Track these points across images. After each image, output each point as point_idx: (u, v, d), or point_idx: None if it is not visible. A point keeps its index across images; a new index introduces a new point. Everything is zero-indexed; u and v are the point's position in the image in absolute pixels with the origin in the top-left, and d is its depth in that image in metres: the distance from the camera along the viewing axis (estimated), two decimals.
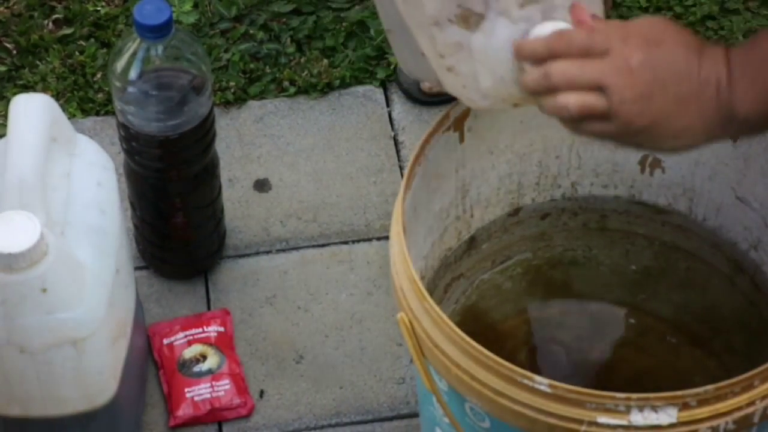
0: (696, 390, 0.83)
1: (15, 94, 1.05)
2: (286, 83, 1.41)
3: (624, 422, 0.84)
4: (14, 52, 1.42)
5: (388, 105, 1.40)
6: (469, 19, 0.87)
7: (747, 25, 1.43)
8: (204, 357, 1.21)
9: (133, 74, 1.13)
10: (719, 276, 1.06)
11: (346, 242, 1.30)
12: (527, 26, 0.87)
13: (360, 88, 1.41)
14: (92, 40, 1.43)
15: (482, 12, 0.87)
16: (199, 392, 1.19)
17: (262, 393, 1.20)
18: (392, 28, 0.94)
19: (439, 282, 1.04)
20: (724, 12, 1.45)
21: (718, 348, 1.06)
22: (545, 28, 0.86)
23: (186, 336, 1.22)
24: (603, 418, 0.84)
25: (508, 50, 0.87)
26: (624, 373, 1.06)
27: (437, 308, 0.88)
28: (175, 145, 1.17)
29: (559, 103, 0.83)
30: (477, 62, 0.88)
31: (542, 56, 0.84)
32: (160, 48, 1.13)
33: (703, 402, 0.84)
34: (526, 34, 0.86)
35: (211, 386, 1.19)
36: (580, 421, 0.84)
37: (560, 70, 0.83)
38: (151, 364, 1.22)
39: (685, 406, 0.84)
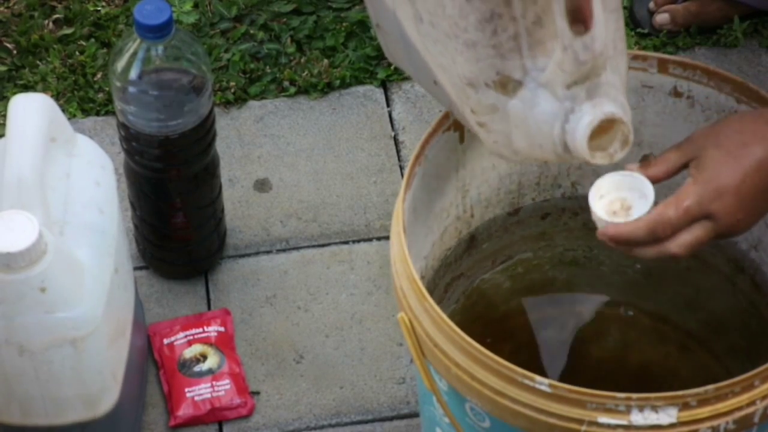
0: (696, 390, 0.83)
1: (15, 94, 1.05)
2: (286, 83, 1.41)
3: (624, 422, 0.83)
4: (14, 52, 1.42)
5: (388, 105, 1.40)
6: (507, 86, 0.86)
7: None
8: (204, 357, 1.21)
9: (133, 74, 1.13)
10: (719, 276, 1.06)
11: (346, 242, 1.30)
12: (572, 104, 0.85)
13: (360, 88, 1.41)
14: (92, 40, 1.43)
15: (521, 79, 0.86)
16: (200, 392, 1.19)
17: (256, 393, 1.20)
18: (381, 24, 0.93)
19: (439, 282, 1.04)
20: None
21: (718, 348, 1.06)
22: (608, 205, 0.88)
23: (186, 336, 1.22)
24: (603, 418, 0.84)
25: (550, 123, 0.86)
26: (624, 373, 1.05)
27: (437, 308, 0.88)
28: (176, 145, 1.17)
29: (670, 252, 0.85)
30: (513, 125, 0.87)
31: (645, 242, 0.86)
32: (160, 48, 1.12)
33: (703, 402, 0.84)
34: (570, 112, 0.85)
35: (212, 386, 1.19)
36: (581, 421, 0.84)
37: (681, 245, 0.85)
38: (151, 363, 1.22)
39: (685, 406, 0.84)
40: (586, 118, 0.85)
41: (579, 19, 0.81)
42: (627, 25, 1.45)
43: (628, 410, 0.83)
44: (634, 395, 0.83)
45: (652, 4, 1.45)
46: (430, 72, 0.91)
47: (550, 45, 0.85)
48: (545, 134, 0.86)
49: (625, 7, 1.47)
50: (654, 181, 0.89)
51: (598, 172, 1.06)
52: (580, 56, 0.83)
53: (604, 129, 0.86)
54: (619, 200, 0.89)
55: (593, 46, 0.83)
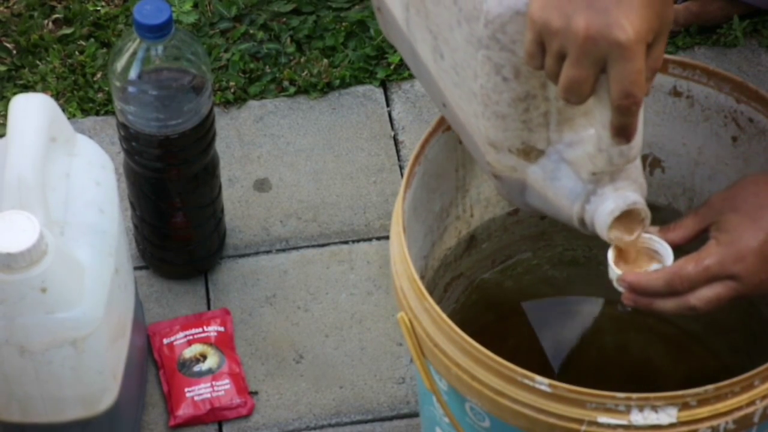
0: (696, 390, 0.83)
1: (15, 93, 1.05)
2: (286, 83, 1.41)
3: (624, 422, 0.83)
4: (14, 51, 1.42)
5: (388, 105, 1.40)
6: (530, 154, 0.86)
7: None
8: (204, 357, 1.21)
9: (133, 74, 1.13)
10: None
11: (346, 242, 1.30)
12: (595, 187, 0.86)
13: (360, 88, 1.41)
14: (92, 39, 1.42)
15: (544, 149, 0.86)
16: (199, 392, 1.19)
17: (255, 393, 1.20)
18: (381, 7, 0.93)
19: (439, 281, 1.04)
20: None
21: (718, 347, 1.06)
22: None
23: (186, 336, 1.22)
24: (603, 418, 0.84)
25: (570, 200, 0.86)
26: (624, 373, 1.06)
27: (437, 308, 0.88)
28: (175, 145, 1.17)
29: (690, 305, 0.85)
30: (530, 186, 0.88)
31: (662, 294, 0.86)
32: (160, 48, 1.12)
33: (703, 402, 0.84)
34: (593, 193, 0.86)
35: (211, 386, 1.19)
36: (581, 421, 0.84)
37: (701, 300, 0.85)
38: (151, 363, 1.22)
39: (685, 406, 0.84)
40: (609, 205, 0.86)
41: (621, 134, 0.82)
42: None
43: (628, 410, 0.83)
44: (634, 395, 0.83)
45: None
46: (441, 95, 0.90)
47: (578, 121, 0.85)
48: (563, 206, 0.87)
49: None
50: (672, 245, 0.90)
51: None
52: (614, 160, 0.84)
53: (625, 215, 0.87)
54: (639, 258, 0.90)
55: (629, 154, 0.84)
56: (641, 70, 0.78)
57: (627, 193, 0.86)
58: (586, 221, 0.88)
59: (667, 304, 0.87)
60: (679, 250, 0.90)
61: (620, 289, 0.89)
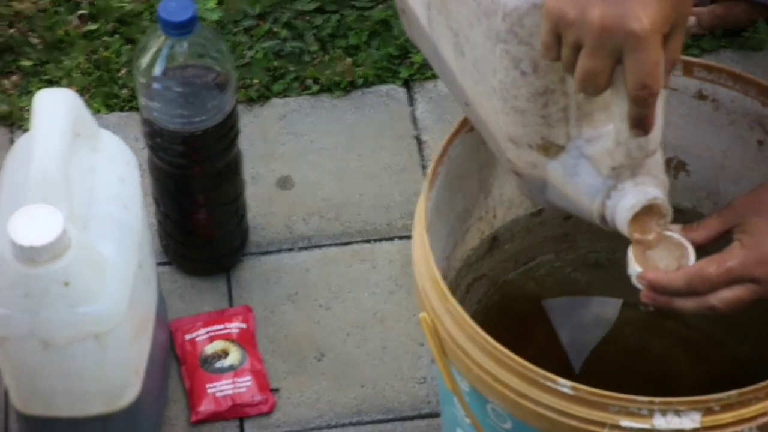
0: (719, 395, 0.83)
1: (40, 88, 1.05)
2: (309, 81, 1.41)
3: (647, 426, 0.83)
4: (40, 47, 1.42)
5: (411, 104, 1.40)
6: (550, 150, 0.86)
7: None
8: (226, 353, 1.21)
9: (157, 71, 1.13)
10: None
11: (368, 241, 1.30)
12: (615, 182, 0.85)
13: (383, 87, 1.41)
14: (117, 36, 1.43)
15: (563, 144, 0.86)
16: (221, 388, 1.19)
17: (276, 390, 1.20)
18: (404, 9, 0.93)
19: (461, 282, 1.04)
20: None
21: (741, 353, 1.05)
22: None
23: (208, 332, 1.22)
24: (626, 422, 0.83)
25: (590, 196, 0.86)
26: (647, 377, 1.05)
27: (460, 308, 0.88)
28: (199, 142, 1.17)
29: (710, 305, 0.85)
30: (550, 183, 0.87)
31: (682, 293, 0.86)
32: (184, 45, 1.13)
33: (726, 407, 0.83)
34: (613, 188, 0.85)
35: (233, 382, 1.19)
36: (603, 424, 0.84)
37: (722, 301, 0.85)
38: (173, 359, 1.22)
39: (708, 411, 0.83)
40: (630, 200, 0.85)
41: (639, 125, 0.82)
42: None
43: (650, 414, 0.83)
44: (657, 399, 0.83)
45: None
46: (463, 94, 0.90)
47: (597, 116, 0.85)
48: (583, 202, 0.87)
49: None
50: (694, 245, 0.89)
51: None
52: (633, 153, 0.84)
53: (645, 211, 0.86)
54: (660, 257, 0.89)
55: (647, 147, 0.84)
56: (657, 61, 0.78)
57: (647, 188, 0.86)
58: (606, 217, 0.87)
59: (687, 304, 0.86)
60: (701, 252, 0.89)
61: (639, 286, 0.88)
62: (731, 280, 0.85)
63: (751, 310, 1.02)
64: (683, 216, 1.06)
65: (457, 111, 1.39)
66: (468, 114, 0.93)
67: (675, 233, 0.90)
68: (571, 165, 0.86)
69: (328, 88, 1.40)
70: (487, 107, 0.87)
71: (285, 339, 1.24)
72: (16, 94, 1.38)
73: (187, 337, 1.22)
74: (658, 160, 0.87)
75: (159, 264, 1.24)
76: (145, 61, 1.14)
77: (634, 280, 0.89)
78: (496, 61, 0.83)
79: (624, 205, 0.86)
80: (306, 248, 1.30)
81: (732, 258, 0.85)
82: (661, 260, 0.89)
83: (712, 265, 0.86)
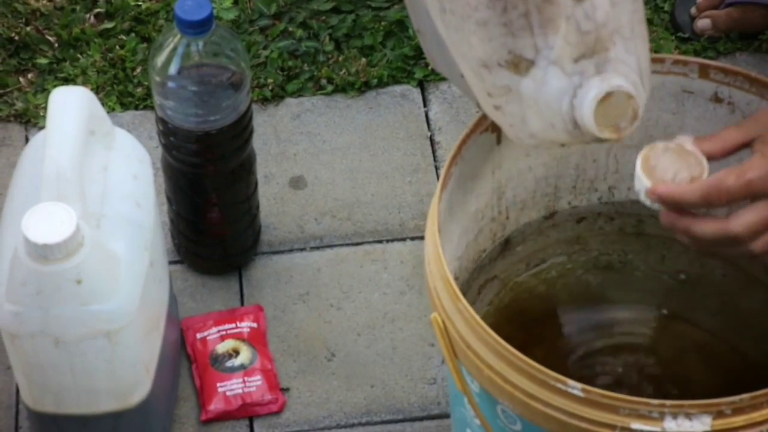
0: (731, 398, 0.83)
1: (56, 86, 1.06)
2: (323, 81, 1.41)
3: (657, 429, 0.83)
4: (56, 45, 1.43)
5: (425, 105, 1.40)
6: (520, 65, 0.85)
7: None
8: (236, 352, 1.21)
9: (172, 69, 1.13)
10: (756, 284, 1.05)
11: (380, 241, 1.30)
12: (581, 79, 0.83)
13: (397, 88, 1.41)
14: (133, 34, 1.43)
15: (533, 59, 0.84)
16: (231, 387, 1.19)
17: (287, 390, 1.20)
18: (422, 30, 0.94)
19: (472, 283, 1.04)
20: None
21: (753, 356, 1.05)
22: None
23: (219, 331, 1.23)
24: (636, 424, 0.83)
25: (559, 100, 0.84)
26: (658, 379, 1.05)
27: (471, 309, 0.88)
28: (213, 141, 1.17)
29: (731, 231, 0.78)
30: (526, 106, 0.86)
31: (697, 206, 0.79)
32: (200, 44, 1.13)
33: (738, 411, 0.83)
34: (579, 86, 0.83)
35: (243, 381, 1.20)
36: (613, 427, 0.84)
37: (743, 224, 0.78)
38: (184, 358, 1.22)
39: (719, 415, 0.83)
40: (593, 91, 0.83)
41: None
42: (668, 29, 1.45)
43: (661, 417, 0.83)
44: (668, 402, 0.83)
45: (693, 9, 1.44)
46: (457, 66, 0.91)
47: (560, 23, 0.84)
48: (555, 111, 0.84)
49: (666, 12, 1.46)
50: (708, 157, 0.83)
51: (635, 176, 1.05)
52: (582, 26, 0.81)
53: (613, 104, 0.83)
54: (672, 170, 0.81)
55: (595, 16, 0.81)
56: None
57: (612, 79, 0.82)
58: (577, 119, 0.84)
59: (707, 228, 0.79)
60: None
61: (647, 203, 0.81)
62: (751, 193, 0.78)
63: (762, 310, 1.02)
64: None
65: (471, 112, 1.40)
66: (462, 88, 0.92)
67: (687, 144, 0.83)
68: (540, 77, 0.84)
69: (343, 88, 1.40)
70: (464, 51, 0.86)
71: (296, 338, 1.24)
72: (31, 92, 1.39)
73: (198, 335, 1.23)
74: (629, 62, 0.83)
75: (171, 262, 1.24)
76: (160, 59, 1.14)
77: (643, 197, 0.82)
78: None
79: (589, 96, 0.82)
80: (318, 248, 1.30)
81: (752, 169, 0.78)
82: (672, 175, 0.80)
83: (731, 177, 0.78)
